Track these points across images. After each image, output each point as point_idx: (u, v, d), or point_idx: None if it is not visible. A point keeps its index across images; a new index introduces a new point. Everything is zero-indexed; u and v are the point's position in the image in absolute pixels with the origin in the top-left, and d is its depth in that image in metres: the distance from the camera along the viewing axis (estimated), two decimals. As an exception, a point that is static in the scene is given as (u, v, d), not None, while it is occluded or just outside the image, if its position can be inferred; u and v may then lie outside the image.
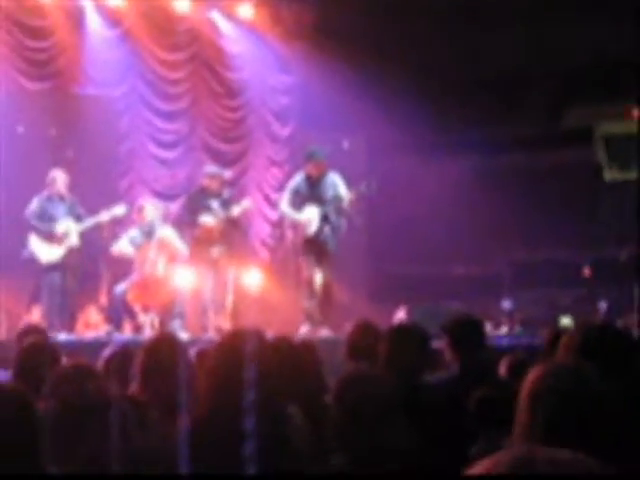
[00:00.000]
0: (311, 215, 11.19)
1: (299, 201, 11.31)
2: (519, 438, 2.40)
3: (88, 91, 13.31)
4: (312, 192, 11.28)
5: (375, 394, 3.35)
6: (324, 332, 10.88)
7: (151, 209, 11.47)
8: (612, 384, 2.47)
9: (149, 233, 11.28)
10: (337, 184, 11.27)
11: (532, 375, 2.46)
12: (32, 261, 11.02)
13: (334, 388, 3.61)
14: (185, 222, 11.61)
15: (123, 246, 11.26)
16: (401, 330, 5.03)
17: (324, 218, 11.19)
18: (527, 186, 14.96)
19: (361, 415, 3.30)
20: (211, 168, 12.17)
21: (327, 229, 11.22)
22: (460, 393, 4.52)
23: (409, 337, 4.86)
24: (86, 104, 13.21)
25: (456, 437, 4.10)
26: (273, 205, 13.86)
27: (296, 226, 11.41)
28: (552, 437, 2.31)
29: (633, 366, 3.21)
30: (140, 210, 11.46)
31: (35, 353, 5.11)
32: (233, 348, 3.84)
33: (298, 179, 11.46)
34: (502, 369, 5.54)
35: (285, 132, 14.44)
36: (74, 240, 10.98)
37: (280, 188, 13.98)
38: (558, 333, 4.85)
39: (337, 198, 11.17)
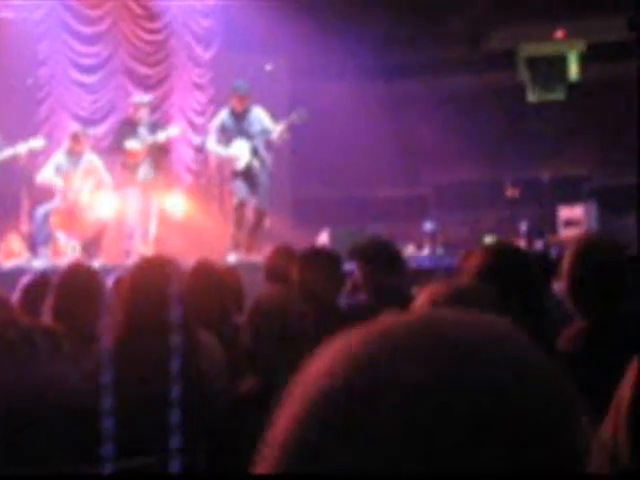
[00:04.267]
0: (240, 150, 11.12)
1: (226, 137, 11.23)
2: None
3: (5, 15, 13.01)
4: (239, 126, 11.20)
5: (286, 316, 3.35)
6: (251, 258, 10.89)
7: (86, 136, 11.29)
8: (509, 306, 2.49)
9: (76, 160, 11.11)
10: (263, 117, 11.21)
11: (420, 297, 2.48)
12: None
13: (246, 310, 3.61)
14: (113, 149, 11.50)
15: (49, 175, 11.05)
16: (313, 253, 5.03)
17: (253, 152, 11.14)
18: (451, 109, 15.00)
19: (272, 337, 3.30)
20: (138, 97, 12.03)
21: (256, 162, 11.17)
22: (373, 316, 4.54)
23: (321, 260, 4.86)
24: (4, 28, 12.93)
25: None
26: (196, 129, 13.77)
27: (224, 159, 11.38)
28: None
29: (532, 289, 3.24)
30: (75, 138, 11.23)
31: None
32: (145, 275, 3.82)
33: (223, 115, 11.35)
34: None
35: (207, 55, 14.26)
36: (-10, 171, 10.81)
37: (203, 112, 13.89)
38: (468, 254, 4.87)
39: (265, 131, 11.12)
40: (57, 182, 11.01)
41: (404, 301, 4.87)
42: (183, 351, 3.55)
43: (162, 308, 3.59)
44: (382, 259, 4.94)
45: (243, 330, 3.51)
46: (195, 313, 3.92)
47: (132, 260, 10.75)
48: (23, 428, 3.47)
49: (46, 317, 4.69)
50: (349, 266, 5.23)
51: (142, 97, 12.02)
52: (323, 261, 4.85)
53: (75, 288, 4.60)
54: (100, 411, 3.47)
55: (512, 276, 3.17)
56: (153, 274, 3.79)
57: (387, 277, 4.86)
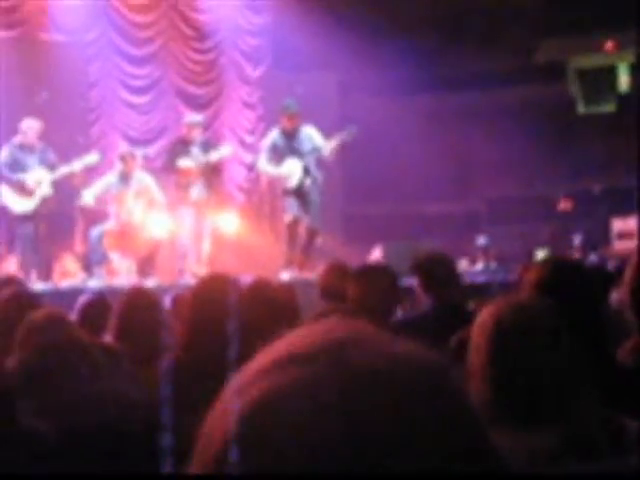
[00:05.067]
0: (292, 168, 11.17)
1: (277, 156, 11.29)
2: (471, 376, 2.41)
3: (57, 38, 13.16)
4: (290, 146, 11.25)
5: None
6: (304, 275, 10.89)
7: (133, 157, 11.38)
8: (569, 321, 2.47)
9: (127, 180, 11.20)
10: (313, 136, 11.26)
11: (485, 313, 2.46)
12: (5, 211, 10.95)
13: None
14: (166, 169, 11.59)
15: (88, 198, 11.12)
16: (368, 269, 5.05)
17: (305, 170, 11.19)
18: (501, 122, 14.94)
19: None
20: (191, 117, 12.10)
21: (308, 181, 11.22)
22: (433, 330, 4.54)
23: (376, 276, 4.87)
24: (55, 51, 13.08)
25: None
26: (247, 148, 13.83)
27: (275, 177, 11.47)
28: (500, 372, 2.34)
29: (591, 302, 3.21)
30: (123, 159, 11.31)
31: (15, 304, 5.07)
32: (206, 294, 3.84)
33: (274, 135, 11.41)
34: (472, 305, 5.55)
35: (257, 73, 14.32)
36: (47, 190, 10.91)
37: (253, 131, 13.95)
38: (528, 268, 4.86)
39: (316, 150, 11.16)
40: (91, 202, 11.08)
41: (462, 315, 4.88)
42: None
43: (224, 327, 3.60)
44: (442, 274, 4.94)
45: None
46: (253, 332, 3.93)
47: (186, 279, 10.84)
48: (84, 444, 3.49)
49: (108, 338, 4.74)
50: (409, 281, 5.23)
51: (195, 117, 12.09)
52: (379, 277, 4.86)
53: (136, 311, 4.65)
54: (160, 428, 3.50)
55: (572, 290, 3.14)
56: (216, 293, 3.81)
57: (446, 291, 4.86)
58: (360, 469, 0.75)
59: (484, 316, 2.45)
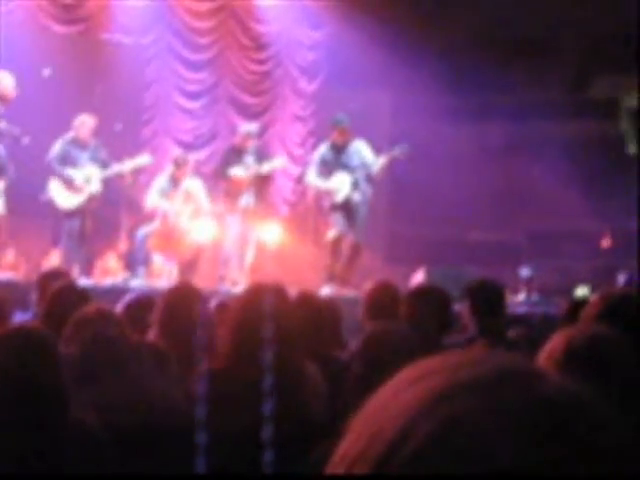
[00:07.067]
0: (340, 182, 11.19)
1: (326, 170, 11.31)
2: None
3: (116, 37, 13.28)
4: (339, 160, 11.29)
5: (400, 350, 3.35)
6: (345, 292, 10.89)
7: (186, 162, 11.45)
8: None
9: (177, 185, 11.28)
10: (364, 151, 11.27)
11: (556, 341, 2.45)
12: (52, 205, 11.04)
13: (359, 344, 3.61)
14: (218, 175, 11.65)
15: (156, 200, 11.23)
16: (424, 291, 5.06)
17: (354, 185, 11.21)
18: (549, 155, 14.88)
19: (384, 371, 3.29)
20: (246, 127, 12.14)
21: (356, 195, 11.23)
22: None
23: (431, 298, 4.88)
24: (113, 50, 13.21)
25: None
26: (295, 161, 13.86)
27: (322, 191, 11.49)
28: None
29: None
30: (177, 164, 11.38)
31: (65, 296, 5.11)
32: (255, 302, 3.85)
33: (323, 149, 11.45)
34: (513, 334, 5.54)
35: (311, 88, 14.37)
36: (95, 187, 11.00)
37: (302, 144, 13.98)
38: (577, 302, 4.86)
39: (366, 165, 11.18)
40: (165, 206, 11.18)
41: (505, 344, 4.86)
42: (288, 382, 3.57)
43: (269, 337, 3.60)
44: (491, 301, 4.94)
45: (351, 365, 3.51)
46: (297, 343, 3.94)
47: (226, 286, 10.89)
48: (127, 441, 3.51)
49: (151, 334, 4.75)
50: (457, 306, 5.23)
51: (250, 126, 12.12)
52: (433, 299, 4.87)
53: (182, 308, 4.65)
54: (200, 431, 3.50)
55: (632, 322, 3.13)
56: (262, 303, 3.81)
57: (492, 319, 4.86)
58: None
59: (555, 343, 2.43)
